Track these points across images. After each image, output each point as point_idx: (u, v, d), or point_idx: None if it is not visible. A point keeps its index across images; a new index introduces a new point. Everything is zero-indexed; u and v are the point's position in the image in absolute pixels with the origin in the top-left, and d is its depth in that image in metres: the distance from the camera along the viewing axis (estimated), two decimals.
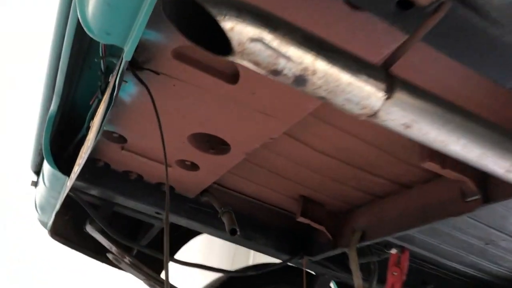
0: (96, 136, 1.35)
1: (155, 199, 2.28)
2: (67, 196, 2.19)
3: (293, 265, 2.66)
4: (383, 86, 0.86)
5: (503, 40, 0.93)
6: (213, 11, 0.76)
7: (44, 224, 2.56)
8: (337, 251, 2.26)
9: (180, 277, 2.88)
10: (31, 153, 2.34)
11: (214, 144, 1.85)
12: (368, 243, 2.11)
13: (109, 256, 2.47)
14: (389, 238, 2.02)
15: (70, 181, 1.67)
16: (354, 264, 2.12)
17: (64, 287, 4.78)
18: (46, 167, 1.90)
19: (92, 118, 1.79)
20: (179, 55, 1.38)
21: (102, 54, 1.41)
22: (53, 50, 1.52)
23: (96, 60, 1.43)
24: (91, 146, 1.46)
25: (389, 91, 0.87)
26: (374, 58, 1.08)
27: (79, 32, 1.37)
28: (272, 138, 1.68)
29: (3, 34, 4.53)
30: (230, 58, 0.82)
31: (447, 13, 0.90)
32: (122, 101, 1.65)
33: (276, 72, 0.83)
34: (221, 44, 0.83)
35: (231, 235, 1.94)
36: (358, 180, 2.03)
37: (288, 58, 0.81)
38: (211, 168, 1.98)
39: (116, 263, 2.46)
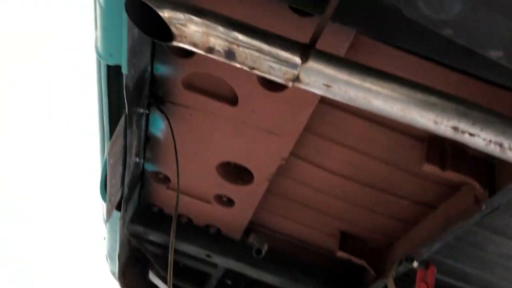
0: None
1: (205, 242, 2.49)
2: (134, 249, 2.48)
3: None
4: (298, 53, 1.07)
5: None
6: (155, 6, 1.04)
7: (114, 275, 2.84)
8: (379, 284, 2.25)
9: None
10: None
11: (239, 175, 2.06)
12: (403, 269, 2.09)
13: None
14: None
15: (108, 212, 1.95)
16: None
17: (64, 286, 4.68)
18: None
19: None
20: (189, 85, 1.68)
21: None
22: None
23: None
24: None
25: (305, 57, 1.06)
26: None
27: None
28: (283, 158, 1.86)
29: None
30: (174, 43, 1.08)
31: None
32: (157, 138, 1.97)
33: (211, 50, 1.08)
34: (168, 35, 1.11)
35: (257, 255, 2.07)
36: (384, 205, 2.08)
37: (216, 36, 1.06)
38: (244, 200, 2.17)
39: None
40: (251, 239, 2.47)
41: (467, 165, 1.66)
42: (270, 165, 1.91)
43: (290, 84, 1.10)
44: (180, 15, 1.05)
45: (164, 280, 2.66)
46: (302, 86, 1.11)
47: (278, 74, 1.09)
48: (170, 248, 1.54)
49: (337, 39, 1.33)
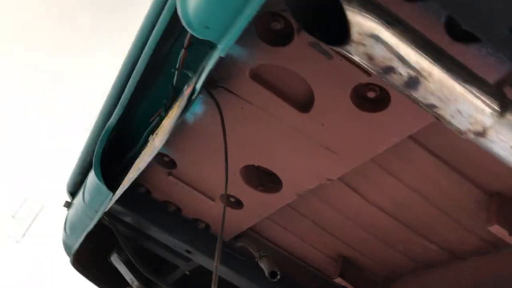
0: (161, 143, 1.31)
1: (189, 236, 2.19)
2: (102, 226, 2.13)
3: None
4: (496, 102, 0.82)
5: None
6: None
7: (68, 248, 2.47)
8: None
9: None
10: (71, 173, 2.32)
11: (264, 181, 1.80)
12: None
13: None
14: None
15: (115, 196, 1.61)
16: None
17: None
18: (91, 181, 1.86)
19: (148, 136, 1.77)
20: (256, 76, 1.37)
21: (179, 65, 1.41)
22: (129, 57, 1.54)
23: (172, 70, 1.42)
24: (149, 159, 1.42)
25: (503, 109, 0.82)
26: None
27: (163, 39, 1.39)
28: (330, 179, 1.62)
29: None
30: (344, 48, 0.79)
31: None
32: (184, 120, 1.64)
33: (389, 69, 0.80)
34: (334, 34, 0.81)
35: (271, 278, 1.83)
36: (407, 244, 1.92)
37: (404, 57, 0.78)
38: (256, 207, 1.90)
39: None
40: (240, 244, 2.22)
41: None
42: (309, 182, 1.66)
43: (471, 136, 0.85)
44: (370, 22, 0.75)
45: (128, 266, 2.35)
46: (481, 140, 0.86)
47: (461, 122, 0.83)
48: (214, 271, 1.25)
49: None
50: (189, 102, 1.18)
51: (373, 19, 0.76)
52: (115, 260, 2.36)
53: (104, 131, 1.77)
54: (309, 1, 0.81)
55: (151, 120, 1.73)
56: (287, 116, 1.42)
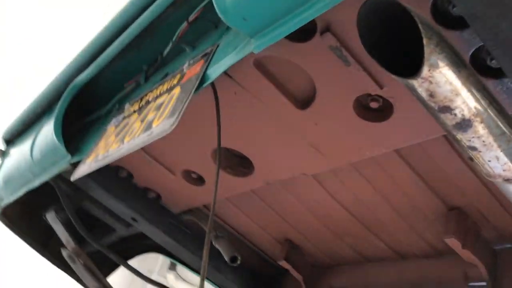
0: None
1: (137, 204, 2.11)
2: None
3: None
4: None
5: None
6: (424, 29, 0.71)
7: None
8: None
9: None
10: (13, 120, 2.12)
11: (233, 164, 1.76)
12: None
13: (63, 252, 2.23)
14: None
15: (84, 167, 1.47)
16: None
17: None
18: (46, 138, 1.70)
19: (120, 102, 1.65)
20: (260, 65, 1.31)
21: (177, 37, 1.31)
22: (122, 16, 1.40)
23: (172, 41, 1.31)
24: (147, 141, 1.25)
25: None
26: None
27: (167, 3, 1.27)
28: (305, 174, 1.62)
29: None
30: (409, 81, 0.77)
31: None
32: None
33: (446, 109, 0.79)
34: (397, 64, 0.79)
35: (231, 263, 1.82)
36: (356, 238, 1.99)
37: (465, 100, 0.78)
38: (218, 188, 1.86)
39: (69, 260, 2.22)
40: (188, 217, 2.18)
41: (483, 249, 1.64)
42: (283, 173, 1.65)
43: (499, 180, 0.88)
44: (444, 60, 0.74)
45: (66, 226, 2.22)
46: (506, 185, 0.89)
47: (496, 167, 0.86)
48: (202, 271, 1.20)
49: None
50: (198, 87, 1.10)
51: (446, 59, 0.74)
52: (52, 219, 2.21)
53: (70, 87, 1.61)
54: (382, 32, 0.77)
55: (125, 85, 1.61)
56: (282, 109, 1.38)
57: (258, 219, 2.13)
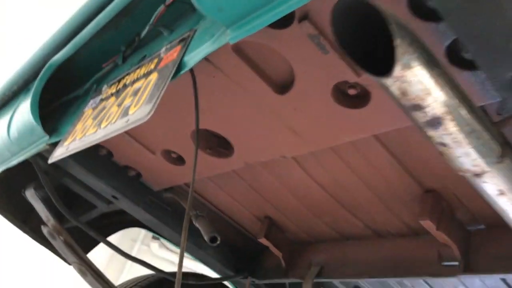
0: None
1: (117, 182, 2.10)
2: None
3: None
4: (500, 149, 0.87)
5: None
6: (394, 30, 0.71)
7: None
8: (290, 280, 2.23)
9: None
10: None
11: (213, 145, 1.76)
12: (326, 280, 2.10)
13: (44, 229, 2.24)
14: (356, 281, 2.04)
15: (62, 149, 1.46)
16: None
17: None
18: (23, 118, 1.68)
19: (98, 82, 1.62)
20: (239, 50, 1.30)
21: (154, 20, 1.28)
22: None
23: (149, 24, 1.28)
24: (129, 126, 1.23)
25: (503, 156, 0.87)
26: None
27: None
28: (284, 156, 1.63)
29: None
30: (382, 80, 0.77)
31: None
32: None
33: (418, 108, 0.80)
34: (370, 63, 0.79)
35: (211, 243, 1.84)
36: (335, 218, 2.03)
37: (437, 97, 0.78)
38: (198, 168, 1.87)
39: (49, 237, 2.23)
40: (169, 195, 2.19)
41: (456, 230, 1.68)
42: (263, 155, 1.65)
43: (468, 175, 0.90)
44: (415, 60, 0.74)
45: (45, 203, 2.21)
46: (475, 179, 0.91)
47: (465, 163, 0.87)
48: (180, 251, 1.21)
49: None
50: (175, 74, 1.09)
51: (418, 59, 0.74)
52: (31, 196, 2.21)
53: (47, 66, 1.58)
54: (358, 29, 0.76)
55: (103, 66, 1.58)
56: (260, 93, 1.38)
57: (239, 197, 2.15)
